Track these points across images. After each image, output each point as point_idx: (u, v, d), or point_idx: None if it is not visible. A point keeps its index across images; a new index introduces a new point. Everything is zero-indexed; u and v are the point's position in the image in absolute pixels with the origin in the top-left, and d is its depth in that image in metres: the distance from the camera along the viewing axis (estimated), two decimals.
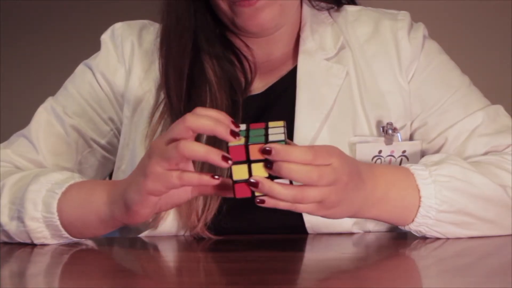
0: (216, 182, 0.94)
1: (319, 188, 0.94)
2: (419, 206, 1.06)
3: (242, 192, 0.93)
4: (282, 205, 0.94)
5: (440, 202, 1.06)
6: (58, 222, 1.09)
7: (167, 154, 0.94)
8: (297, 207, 0.95)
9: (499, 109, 1.25)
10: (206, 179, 0.94)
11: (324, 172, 0.93)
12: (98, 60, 1.30)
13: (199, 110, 0.95)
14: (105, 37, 1.32)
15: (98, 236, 1.12)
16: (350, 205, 1.00)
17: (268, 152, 0.91)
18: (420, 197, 1.06)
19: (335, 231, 1.17)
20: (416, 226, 1.08)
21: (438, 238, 1.10)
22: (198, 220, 1.15)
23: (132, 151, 1.25)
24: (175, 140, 0.94)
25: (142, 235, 1.19)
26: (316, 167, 0.93)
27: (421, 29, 1.28)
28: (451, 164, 1.09)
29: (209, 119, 0.93)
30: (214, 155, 0.92)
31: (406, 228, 1.09)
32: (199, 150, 0.92)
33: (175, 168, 0.95)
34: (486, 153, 1.20)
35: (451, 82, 1.26)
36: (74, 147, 1.28)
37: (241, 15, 1.19)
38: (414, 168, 1.08)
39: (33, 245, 1.11)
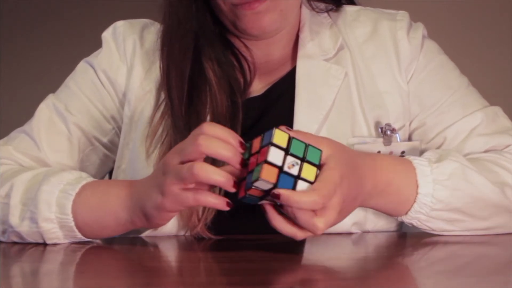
0: (227, 208, 0.95)
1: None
2: (414, 201, 1.08)
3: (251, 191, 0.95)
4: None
5: (436, 201, 1.08)
6: (73, 224, 1.10)
7: (181, 175, 0.95)
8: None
9: (498, 110, 1.25)
10: (221, 204, 0.95)
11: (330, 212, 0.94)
12: (100, 58, 1.30)
13: (208, 129, 0.95)
14: (107, 35, 1.32)
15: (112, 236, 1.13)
16: (350, 210, 1.02)
17: (277, 196, 0.91)
18: (417, 194, 1.07)
19: (334, 231, 1.18)
20: (409, 219, 1.10)
21: (436, 238, 1.10)
22: (199, 220, 1.15)
23: (132, 151, 1.25)
24: (188, 160, 0.95)
25: (143, 235, 1.20)
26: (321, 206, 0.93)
27: (420, 29, 1.28)
28: (452, 161, 1.10)
29: (222, 145, 0.94)
30: (227, 181, 0.93)
31: (399, 219, 1.10)
32: (214, 176, 0.93)
33: (191, 187, 0.96)
34: (485, 152, 1.20)
35: (450, 83, 1.26)
36: (77, 145, 1.28)
37: (243, 18, 1.19)
38: (417, 163, 1.09)
39: (44, 244, 1.11)
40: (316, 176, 0.94)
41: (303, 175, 0.93)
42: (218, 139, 0.94)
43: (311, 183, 0.93)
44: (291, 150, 0.93)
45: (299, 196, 0.91)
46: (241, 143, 0.95)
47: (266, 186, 0.93)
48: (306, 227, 0.93)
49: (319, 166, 0.94)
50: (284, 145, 0.93)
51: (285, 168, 0.93)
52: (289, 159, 0.93)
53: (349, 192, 0.96)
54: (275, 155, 0.92)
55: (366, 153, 1.14)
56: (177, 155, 0.97)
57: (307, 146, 0.94)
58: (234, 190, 0.94)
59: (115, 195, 1.08)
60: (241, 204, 0.97)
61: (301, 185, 0.93)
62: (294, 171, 0.93)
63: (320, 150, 0.95)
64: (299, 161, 0.93)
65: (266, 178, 0.92)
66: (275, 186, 0.92)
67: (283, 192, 0.91)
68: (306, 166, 0.94)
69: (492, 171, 1.14)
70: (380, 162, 1.07)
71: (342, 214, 0.98)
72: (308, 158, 0.94)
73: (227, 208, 0.95)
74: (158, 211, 1.01)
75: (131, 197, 1.06)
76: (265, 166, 0.91)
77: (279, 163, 0.92)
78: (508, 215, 1.13)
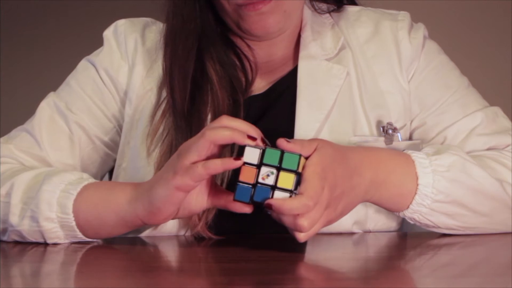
0: (239, 163, 0.96)
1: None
2: (415, 193, 1.08)
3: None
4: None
5: (437, 191, 1.08)
6: (74, 223, 1.10)
7: (197, 145, 0.97)
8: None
9: (498, 110, 1.25)
10: (229, 162, 0.96)
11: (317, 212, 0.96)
12: (101, 57, 1.30)
13: (226, 120, 0.98)
14: (108, 34, 1.32)
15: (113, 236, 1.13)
16: (351, 206, 1.02)
17: (270, 207, 0.94)
18: (417, 185, 1.07)
19: (335, 230, 1.18)
20: (411, 213, 1.09)
21: (437, 238, 1.10)
22: (199, 219, 1.15)
23: (133, 150, 1.25)
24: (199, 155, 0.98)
25: (143, 235, 1.20)
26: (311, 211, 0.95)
27: (421, 29, 1.28)
28: (452, 154, 1.11)
29: (226, 129, 0.96)
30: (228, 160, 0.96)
31: (401, 214, 1.10)
32: (225, 135, 0.96)
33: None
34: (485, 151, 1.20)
35: (450, 83, 1.26)
36: (78, 143, 1.28)
37: (247, 18, 1.19)
38: (416, 156, 1.09)
39: (45, 245, 1.11)
40: (296, 182, 0.95)
41: (279, 184, 0.95)
42: (224, 127, 0.97)
43: (290, 191, 0.94)
44: (265, 160, 0.95)
45: (290, 203, 0.94)
46: (249, 137, 0.97)
47: (247, 193, 0.94)
48: (293, 228, 0.95)
49: (297, 172, 0.95)
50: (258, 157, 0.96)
51: (260, 180, 0.95)
52: (264, 169, 0.95)
53: (335, 184, 0.97)
54: (250, 156, 0.95)
55: (363, 146, 1.15)
56: (187, 153, 0.99)
57: (282, 153, 0.95)
58: (239, 164, 0.95)
59: (120, 191, 1.08)
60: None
61: (277, 195, 0.94)
62: (270, 181, 0.95)
63: (299, 155, 0.96)
64: (274, 170, 0.95)
65: (244, 179, 0.94)
66: (252, 197, 0.95)
67: (274, 202, 0.94)
68: (282, 174, 0.95)
69: (491, 167, 1.14)
70: (379, 154, 1.08)
71: (335, 207, 0.98)
72: (284, 165, 0.95)
73: (237, 163, 0.96)
74: (167, 189, 1.00)
75: (139, 187, 1.06)
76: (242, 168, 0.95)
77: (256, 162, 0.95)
78: (509, 212, 1.13)
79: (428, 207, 1.08)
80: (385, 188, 1.06)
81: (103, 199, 1.09)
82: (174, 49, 1.23)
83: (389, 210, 1.11)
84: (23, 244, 1.12)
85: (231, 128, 0.97)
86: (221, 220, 1.15)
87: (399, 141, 1.22)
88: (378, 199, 1.07)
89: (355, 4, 1.34)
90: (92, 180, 1.14)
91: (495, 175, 1.13)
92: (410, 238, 1.18)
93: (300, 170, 0.95)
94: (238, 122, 0.98)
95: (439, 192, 1.08)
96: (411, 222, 1.11)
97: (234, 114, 1.20)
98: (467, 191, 1.10)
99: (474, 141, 1.21)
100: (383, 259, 1.01)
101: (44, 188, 1.11)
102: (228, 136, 0.97)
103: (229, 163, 0.96)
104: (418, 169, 1.08)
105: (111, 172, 1.33)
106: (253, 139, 0.96)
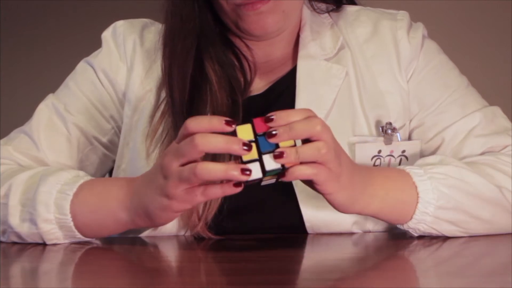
0: (239, 189, 0.95)
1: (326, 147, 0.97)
2: (417, 202, 1.07)
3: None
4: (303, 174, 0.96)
5: (437, 197, 1.08)
6: (72, 224, 1.10)
7: (184, 177, 0.95)
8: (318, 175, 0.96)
9: (497, 110, 1.25)
10: (229, 190, 0.95)
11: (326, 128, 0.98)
12: (99, 58, 1.30)
13: (193, 126, 0.95)
14: (107, 35, 1.32)
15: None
16: (351, 186, 1.01)
17: (271, 119, 0.94)
18: (417, 193, 1.07)
19: (335, 230, 1.18)
20: (415, 224, 1.09)
21: (437, 238, 1.10)
22: (199, 219, 1.15)
23: (132, 150, 1.25)
24: (187, 161, 0.95)
25: (143, 235, 1.20)
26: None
27: (420, 29, 1.28)
28: (445, 164, 1.11)
29: (219, 139, 0.94)
30: (233, 171, 0.93)
31: (405, 226, 1.10)
32: (217, 173, 0.93)
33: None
34: (482, 154, 1.20)
35: (449, 83, 1.26)
36: (76, 144, 1.28)
37: (245, 18, 1.20)
38: (410, 168, 1.10)
39: (44, 244, 1.11)
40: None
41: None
42: (212, 134, 0.94)
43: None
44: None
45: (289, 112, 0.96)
46: (227, 122, 0.94)
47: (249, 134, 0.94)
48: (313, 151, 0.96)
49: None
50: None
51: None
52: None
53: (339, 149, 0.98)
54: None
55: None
56: (175, 158, 0.97)
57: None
58: (244, 178, 0.93)
59: (113, 196, 1.08)
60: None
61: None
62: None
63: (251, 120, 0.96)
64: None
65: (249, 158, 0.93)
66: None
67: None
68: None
69: (489, 174, 1.13)
70: (373, 168, 1.10)
71: (344, 185, 0.99)
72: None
73: (237, 189, 0.95)
74: (164, 212, 1.01)
75: (130, 198, 1.06)
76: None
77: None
78: (509, 217, 1.13)
79: (432, 214, 1.08)
80: (383, 198, 1.06)
81: (99, 203, 1.10)
82: (173, 49, 1.23)
83: (393, 222, 1.10)
84: (22, 244, 1.13)
85: (223, 137, 0.94)
86: (221, 220, 1.15)
87: (398, 141, 1.22)
88: (377, 210, 1.07)
89: (354, 4, 1.34)
90: (87, 177, 1.14)
91: (492, 182, 1.12)
92: (410, 238, 1.17)
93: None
94: (204, 122, 0.96)
95: (439, 198, 1.08)
96: (415, 234, 1.10)
97: (233, 114, 1.19)
98: (467, 197, 1.09)
99: (472, 142, 1.21)
100: (383, 259, 1.01)
101: (41, 189, 1.11)
102: (221, 147, 0.94)
103: (230, 191, 0.95)
104: (415, 178, 1.08)
105: (110, 173, 1.33)
106: (230, 124, 0.94)
